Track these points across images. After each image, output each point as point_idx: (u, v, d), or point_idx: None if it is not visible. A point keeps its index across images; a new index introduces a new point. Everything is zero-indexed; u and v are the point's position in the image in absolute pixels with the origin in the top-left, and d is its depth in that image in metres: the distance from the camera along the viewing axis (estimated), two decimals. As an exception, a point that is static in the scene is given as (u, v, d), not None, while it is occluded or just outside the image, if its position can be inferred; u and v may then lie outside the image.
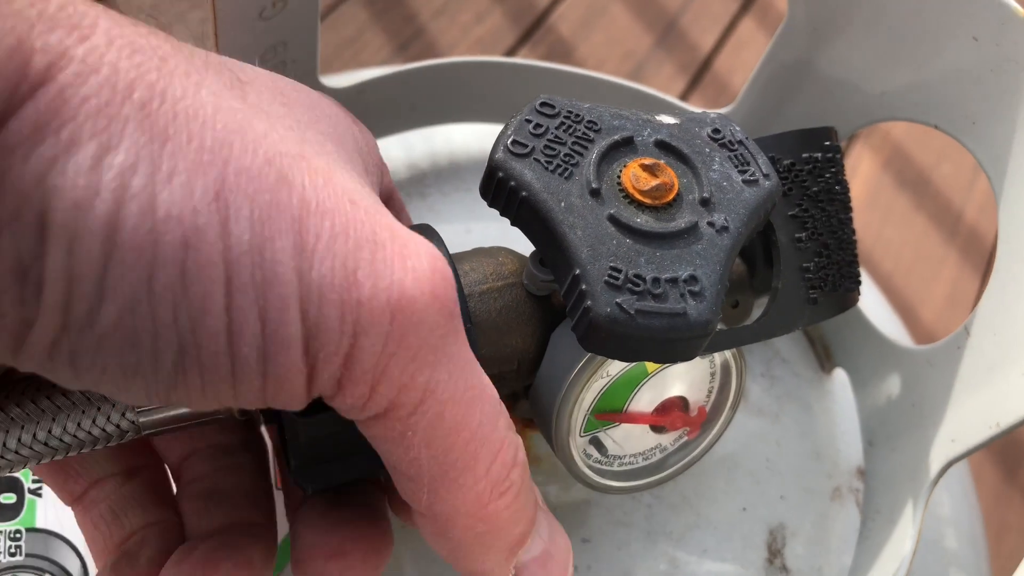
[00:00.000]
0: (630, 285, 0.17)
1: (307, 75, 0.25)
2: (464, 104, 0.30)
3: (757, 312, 0.22)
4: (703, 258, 0.17)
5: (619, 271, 0.17)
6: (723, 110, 0.29)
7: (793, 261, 0.21)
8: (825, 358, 0.30)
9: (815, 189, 0.22)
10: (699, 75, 0.93)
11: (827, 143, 0.22)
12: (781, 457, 0.27)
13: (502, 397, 0.19)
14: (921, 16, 0.23)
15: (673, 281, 0.17)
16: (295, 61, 0.24)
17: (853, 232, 0.23)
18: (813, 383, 0.29)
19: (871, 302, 0.33)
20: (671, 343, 0.17)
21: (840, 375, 0.29)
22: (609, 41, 0.92)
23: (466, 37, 0.88)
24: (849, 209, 0.23)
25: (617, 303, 0.16)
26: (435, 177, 0.31)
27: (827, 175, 0.22)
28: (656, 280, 0.17)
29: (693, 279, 0.17)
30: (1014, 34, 0.21)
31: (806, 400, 0.29)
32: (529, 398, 0.20)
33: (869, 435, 0.28)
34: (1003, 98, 0.22)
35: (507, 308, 0.19)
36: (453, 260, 0.19)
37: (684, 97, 0.91)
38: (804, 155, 0.22)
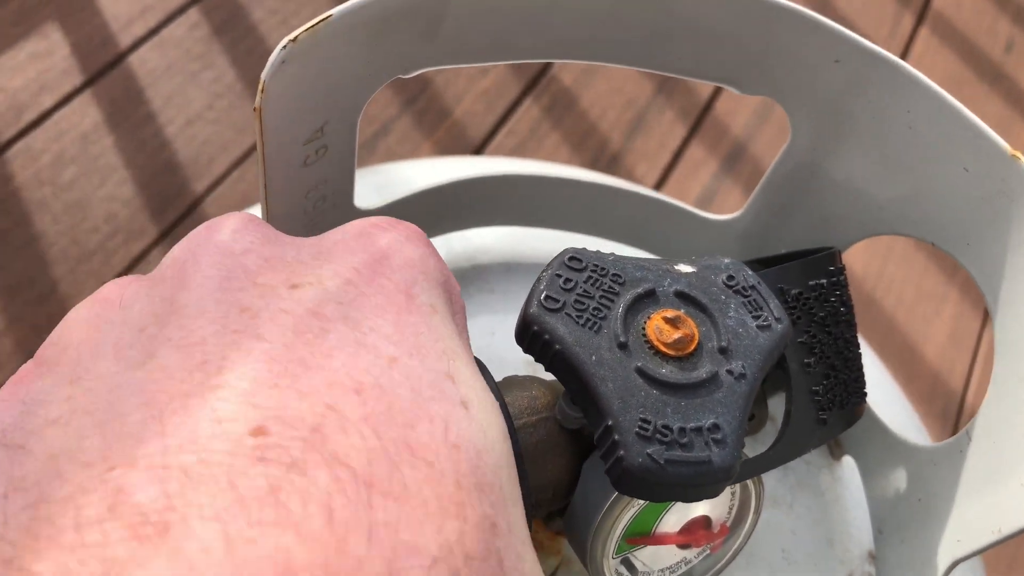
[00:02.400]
0: (659, 435, 0.18)
1: (344, 201, 0.27)
2: (486, 210, 0.32)
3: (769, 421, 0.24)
4: (724, 406, 0.19)
5: (648, 422, 0.18)
6: (732, 215, 0.30)
7: (803, 386, 0.23)
8: (835, 445, 0.31)
9: (821, 315, 0.23)
10: (700, 120, 0.95)
11: (831, 268, 0.24)
12: (796, 546, 0.29)
13: (538, 517, 0.20)
14: (916, 142, 0.25)
15: (698, 430, 0.18)
16: (334, 193, 0.26)
17: (858, 346, 0.25)
18: (824, 470, 0.31)
19: (879, 388, 0.35)
20: (697, 487, 0.18)
21: (849, 461, 0.31)
22: (611, 90, 0.94)
23: (471, 89, 0.91)
24: (854, 327, 0.25)
25: (648, 453, 0.18)
26: (459, 278, 0.32)
27: (832, 299, 0.24)
28: (682, 430, 0.18)
29: (716, 427, 0.19)
30: (1002, 169, 0.23)
31: (818, 487, 0.30)
32: (564, 522, 0.22)
33: (879, 523, 0.29)
34: (994, 225, 0.24)
35: (542, 442, 0.21)
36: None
37: (686, 142, 0.93)
38: (811, 283, 0.23)
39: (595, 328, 0.19)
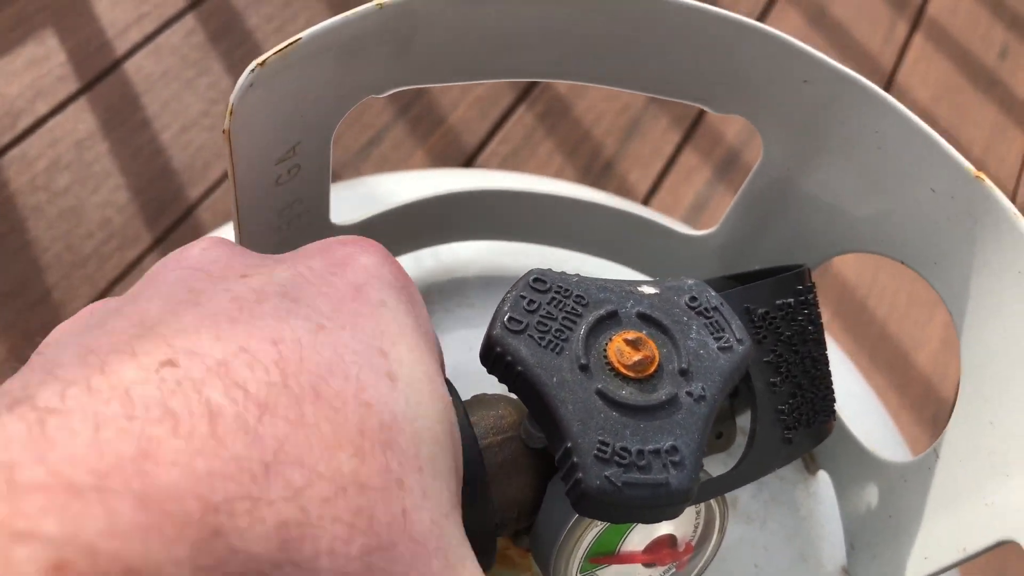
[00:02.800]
0: (617, 458, 0.18)
1: (320, 218, 0.27)
2: (465, 225, 0.32)
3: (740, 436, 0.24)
4: (683, 428, 0.19)
5: (607, 444, 0.18)
6: (708, 231, 0.31)
7: (768, 405, 0.23)
8: (810, 459, 0.32)
9: (788, 334, 0.24)
10: (693, 127, 0.96)
11: (799, 287, 0.24)
12: (769, 562, 0.29)
13: (505, 535, 0.20)
14: (885, 163, 0.25)
15: (656, 452, 0.19)
16: (309, 211, 0.26)
17: (827, 364, 0.25)
18: (799, 485, 0.31)
19: (857, 400, 0.35)
20: (655, 509, 0.19)
21: (824, 476, 0.31)
22: (605, 96, 0.95)
23: (466, 96, 0.91)
24: (823, 345, 0.25)
25: (606, 476, 0.18)
26: (438, 293, 0.33)
27: (800, 318, 0.24)
28: (640, 452, 0.18)
29: (674, 449, 0.19)
30: (967, 191, 0.23)
31: (792, 503, 0.31)
32: (529, 541, 0.22)
33: (851, 538, 0.29)
34: (960, 246, 0.24)
35: (507, 462, 0.21)
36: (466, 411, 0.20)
37: (680, 148, 0.93)
38: (778, 302, 0.24)
39: (557, 350, 0.19)
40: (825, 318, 0.89)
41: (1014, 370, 0.23)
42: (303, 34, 0.21)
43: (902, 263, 0.26)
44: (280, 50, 0.20)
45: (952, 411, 0.25)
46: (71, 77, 0.83)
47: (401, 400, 0.16)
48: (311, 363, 0.15)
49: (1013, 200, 1.01)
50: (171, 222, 0.79)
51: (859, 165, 0.25)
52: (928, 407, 0.84)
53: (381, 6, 0.22)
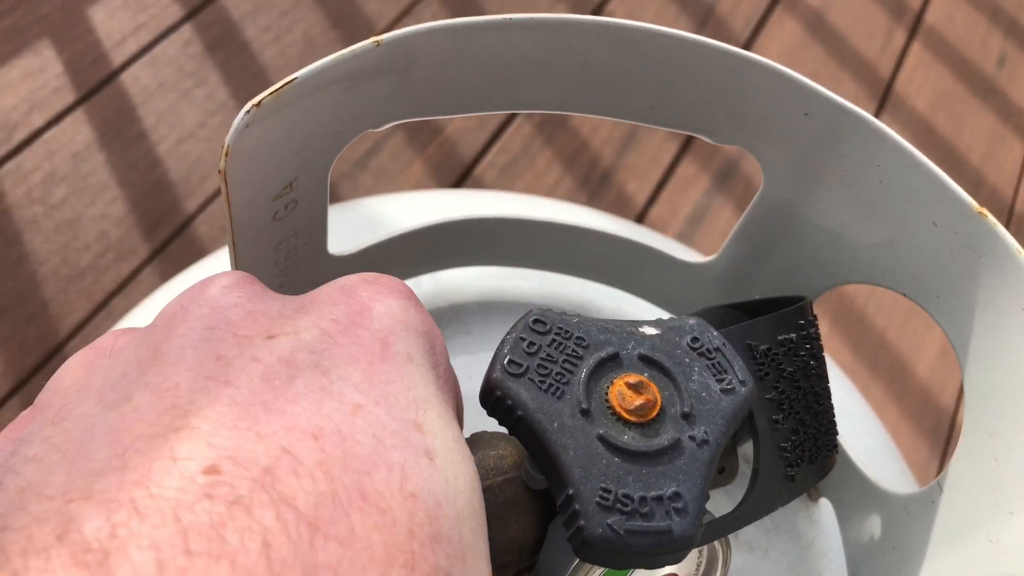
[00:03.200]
0: (619, 505, 0.18)
1: (317, 251, 0.27)
2: (463, 252, 0.32)
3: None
4: (685, 473, 0.19)
5: (609, 491, 0.18)
6: (709, 258, 0.31)
7: (771, 442, 0.23)
8: (813, 487, 0.31)
9: (791, 370, 0.23)
10: (692, 136, 0.95)
11: (801, 321, 0.24)
12: (771, 592, 0.29)
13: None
14: (886, 196, 0.25)
15: (659, 499, 0.18)
16: (306, 244, 0.26)
17: (829, 398, 0.25)
18: (801, 513, 0.31)
19: (861, 428, 0.35)
20: (658, 556, 0.18)
21: (826, 504, 0.31)
22: (603, 106, 0.94)
23: (469, 116, 0.91)
24: (825, 379, 0.25)
25: (608, 524, 0.18)
26: (437, 319, 0.32)
27: (802, 353, 0.24)
28: (643, 499, 0.18)
29: (677, 495, 0.19)
30: (969, 226, 0.23)
31: (795, 531, 0.30)
32: (530, 582, 0.22)
33: (854, 568, 0.29)
34: (962, 280, 0.24)
35: (508, 503, 0.21)
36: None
37: (678, 158, 0.93)
38: (780, 337, 0.23)
39: (558, 394, 0.19)
40: (824, 329, 0.89)
41: (1019, 407, 0.22)
42: (299, 73, 0.21)
43: (905, 296, 0.26)
44: (275, 91, 0.20)
45: (951, 425, 0.24)
46: (67, 89, 0.83)
47: (441, 480, 0.15)
48: (354, 458, 0.14)
49: (1011, 208, 1.02)
50: (168, 234, 0.79)
51: (860, 197, 0.25)
52: (928, 417, 0.84)
53: (379, 43, 0.22)
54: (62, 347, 0.72)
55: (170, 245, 0.78)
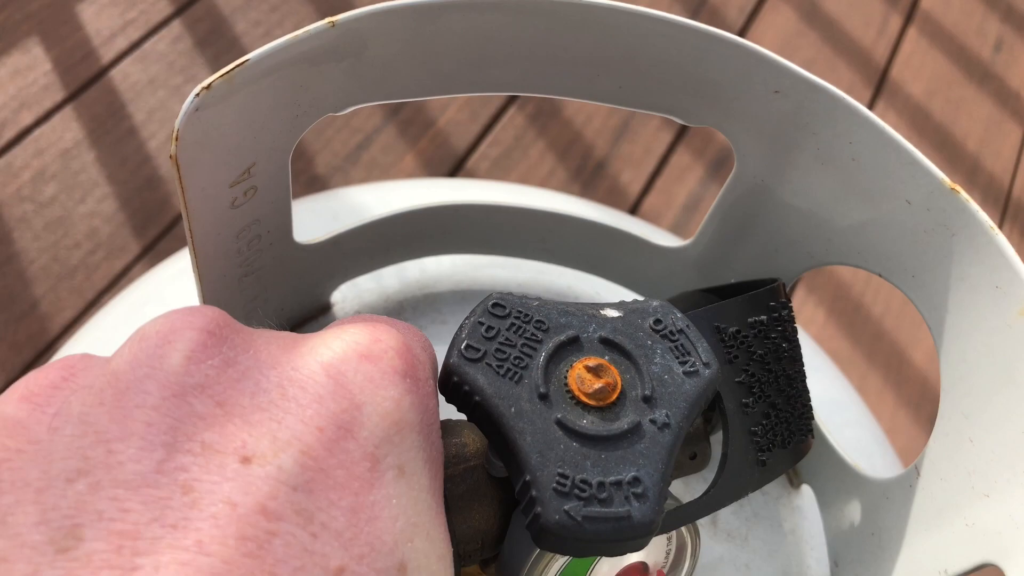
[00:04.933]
0: (577, 491, 0.18)
1: (282, 239, 0.26)
2: (438, 240, 0.31)
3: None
4: (646, 458, 0.18)
5: (566, 477, 0.18)
6: (685, 242, 0.30)
7: (740, 427, 0.22)
8: (793, 474, 0.31)
9: (760, 352, 0.23)
10: (685, 126, 0.95)
11: (772, 303, 0.24)
12: (751, 580, 0.28)
13: (470, 565, 0.20)
14: (859, 174, 0.24)
15: (617, 484, 0.18)
16: (269, 231, 0.26)
17: (803, 380, 0.24)
18: (782, 500, 0.30)
19: (846, 411, 0.34)
20: (618, 543, 0.18)
21: (808, 490, 0.30)
22: (596, 96, 0.94)
23: (455, 99, 0.90)
24: (799, 362, 0.24)
25: (565, 510, 0.17)
26: (412, 309, 0.32)
27: (773, 335, 0.23)
28: (601, 484, 0.18)
29: (636, 480, 0.18)
30: (942, 202, 0.22)
31: (775, 518, 0.30)
32: (496, 570, 0.22)
33: (835, 555, 0.29)
34: (937, 258, 0.23)
35: (469, 492, 0.21)
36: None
37: (672, 147, 0.93)
38: (750, 320, 0.23)
39: (516, 378, 0.19)
40: (820, 318, 0.88)
41: (993, 387, 0.22)
42: (251, 55, 0.20)
43: (880, 276, 0.25)
44: (226, 73, 0.20)
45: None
46: (56, 86, 0.83)
47: None
48: None
49: (1008, 194, 1.01)
50: (159, 232, 0.78)
51: (834, 176, 0.25)
52: (925, 406, 0.84)
53: (333, 24, 0.21)
54: (53, 345, 0.72)
55: (161, 242, 0.78)
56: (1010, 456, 0.21)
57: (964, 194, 0.22)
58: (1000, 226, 0.95)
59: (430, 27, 0.23)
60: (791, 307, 0.25)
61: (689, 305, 0.23)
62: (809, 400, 0.25)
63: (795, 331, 0.24)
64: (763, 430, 0.22)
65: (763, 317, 0.23)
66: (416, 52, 0.23)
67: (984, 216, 0.22)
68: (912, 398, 0.84)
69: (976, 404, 0.22)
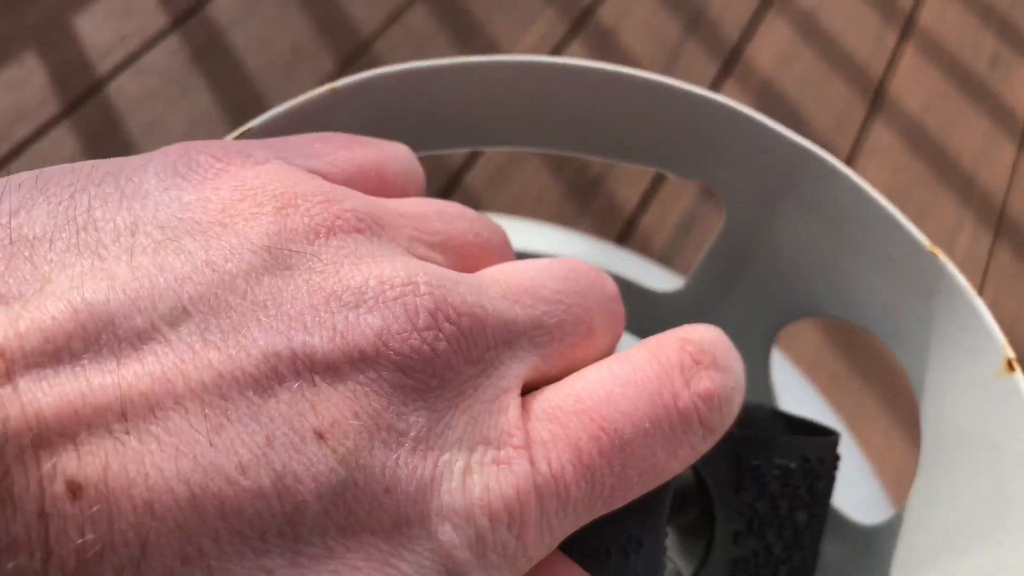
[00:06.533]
0: None
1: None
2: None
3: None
4: None
5: None
6: (675, 289, 0.31)
7: (723, 553, 0.22)
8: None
9: (774, 491, 0.22)
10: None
11: (810, 455, 0.23)
12: (736, 620, 0.29)
13: None
14: (843, 232, 0.25)
15: None
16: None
17: (816, 534, 0.24)
18: (768, 539, 0.31)
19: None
20: None
21: (794, 529, 0.31)
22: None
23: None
24: (817, 517, 0.23)
25: None
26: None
27: (795, 483, 0.23)
28: None
29: None
30: (922, 263, 0.23)
31: (761, 558, 0.30)
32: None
33: (820, 597, 0.29)
34: (917, 317, 0.24)
35: None
36: None
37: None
38: (777, 461, 0.22)
39: None
40: (817, 337, 0.89)
41: (971, 445, 0.23)
42: (252, 124, 0.21)
43: (865, 330, 0.26)
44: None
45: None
46: (52, 100, 0.83)
47: None
48: None
49: (1002, 211, 1.02)
50: (156, 245, 0.79)
51: (819, 230, 0.25)
52: (919, 425, 0.85)
53: (336, 91, 0.22)
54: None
55: (158, 255, 0.78)
56: (987, 514, 0.22)
57: (942, 256, 0.23)
58: (993, 243, 0.96)
59: (428, 88, 0.23)
60: (835, 465, 0.24)
61: (757, 418, 0.22)
62: (815, 557, 0.24)
63: (828, 488, 0.24)
64: (748, 565, 0.22)
65: (792, 465, 0.23)
66: (414, 112, 0.24)
67: (961, 279, 0.22)
68: (907, 417, 0.85)
69: (955, 461, 0.23)
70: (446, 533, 0.13)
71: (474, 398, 0.14)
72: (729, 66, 1.03)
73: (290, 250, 0.13)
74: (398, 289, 0.14)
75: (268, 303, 0.13)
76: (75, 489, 0.10)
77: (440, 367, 0.14)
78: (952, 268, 0.22)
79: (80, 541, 0.10)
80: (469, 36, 0.95)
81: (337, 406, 0.12)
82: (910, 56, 1.13)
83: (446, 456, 0.13)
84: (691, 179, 0.26)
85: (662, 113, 0.24)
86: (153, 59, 0.86)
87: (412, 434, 0.13)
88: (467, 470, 0.13)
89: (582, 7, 1.05)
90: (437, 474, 0.13)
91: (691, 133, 0.25)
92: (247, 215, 0.14)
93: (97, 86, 0.84)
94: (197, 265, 0.12)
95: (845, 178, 0.24)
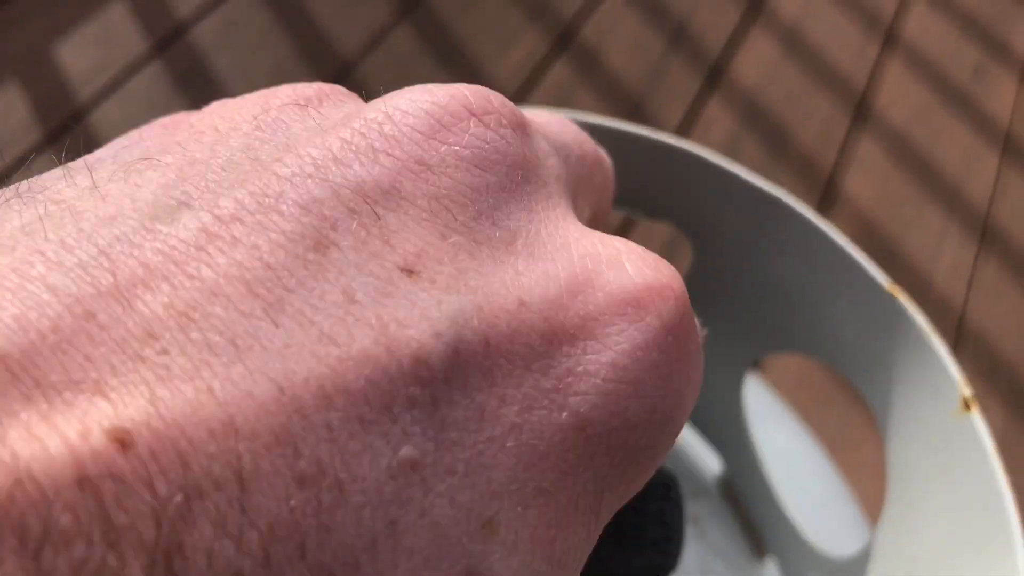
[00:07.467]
0: None
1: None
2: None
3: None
4: None
5: None
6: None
7: None
8: (756, 544, 0.32)
9: None
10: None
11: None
12: (713, 655, 0.29)
13: None
14: (809, 274, 0.25)
15: None
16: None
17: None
18: (747, 572, 0.31)
19: (815, 480, 0.35)
20: None
21: (773, 561, 0.31)
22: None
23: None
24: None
25: None
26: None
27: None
28: None
29: None
30: (883, 304, 0.23)
31: (738, 590, 0.31)
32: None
33: (795, 628, 0.30)
34: (881, 356, 0.24)
35: None
36: None
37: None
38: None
39: None
40: (799, 362, 0.89)
41: (933, 480, 0.23)
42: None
43: (832, 368, 0.26)
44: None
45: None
46: (35, 129, 0.83)
47: None
48: None
49: (985, 221, 1.02)
50: (142, 271, 0.79)
51: (785, 275, 0.26)
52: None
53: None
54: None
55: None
56: (948, 546, 0.22)
57: (902, 297, 0.23)
58: (976, 255, 0.96)
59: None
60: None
61: None
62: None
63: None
64: None
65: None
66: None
67: (920, 320, 0.22)
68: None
69: (918, 496, 0.23)
70: (621, 332, 0.10)
71: (561, 194, 0.12)
72: (713, 82, 1.03)
73: (286, 113, 0.12)
74: (437, 92, 0.11)
75: (281, 155, 0.10)
76: (122, 438, 0.07)
77: (516, 157, 0.11)
78: (912, 309, 0.23)
79: (152, 500, 0.07)
80: (452, 57, 0.96)
81: (416, 232, 0.10)
82: (894, 69, 1.14)
83: (577, 249, 0.11)
84: (660, 221, 0.27)
85: (631, 161, 0.25)
86: (136, 85, 0.86)
87: (521, 239, 0.11)
88: (615, 257, 0.11)
89: (565, 25, 1.06)
90: (580, 269, 0.11)
91: (659, 180, 0.25)
92: (227, 129, 0.12)
93: (80, 114, 0.84)
94: (181, 166, 0.11)
95: (805, 221, 0.24)
